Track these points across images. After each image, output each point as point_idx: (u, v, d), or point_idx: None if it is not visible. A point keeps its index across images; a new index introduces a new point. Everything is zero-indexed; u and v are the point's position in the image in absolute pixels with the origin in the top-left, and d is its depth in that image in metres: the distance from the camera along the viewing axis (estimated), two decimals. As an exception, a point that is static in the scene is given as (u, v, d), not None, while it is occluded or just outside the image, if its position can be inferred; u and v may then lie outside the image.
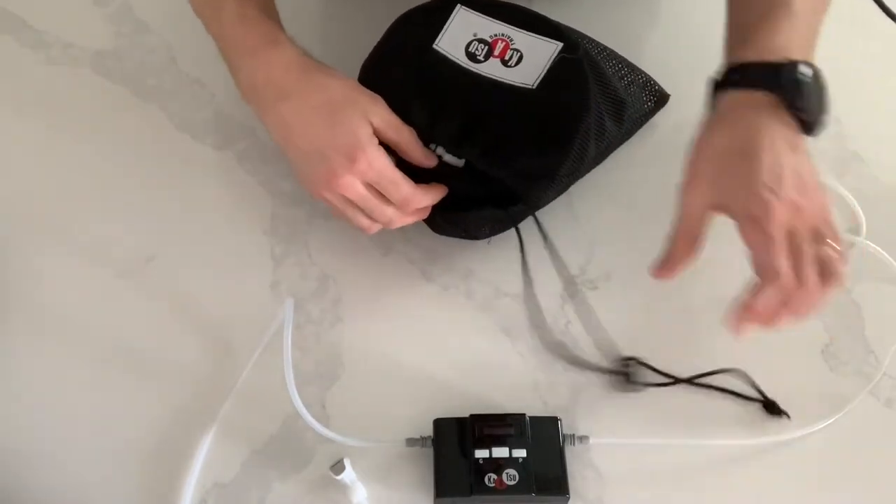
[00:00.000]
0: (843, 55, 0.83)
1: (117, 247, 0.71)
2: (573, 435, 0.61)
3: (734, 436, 0.62)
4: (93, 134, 0.77)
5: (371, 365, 0.66)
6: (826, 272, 0.52)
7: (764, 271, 0.53)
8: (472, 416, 0.61)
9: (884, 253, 0.65)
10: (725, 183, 0.54)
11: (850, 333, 0.67)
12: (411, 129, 0.63)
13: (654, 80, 0.76)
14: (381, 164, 0.60)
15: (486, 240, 0.70)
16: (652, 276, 0.58)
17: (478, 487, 0.58)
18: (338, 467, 0.59)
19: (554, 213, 0.73)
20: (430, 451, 0.60)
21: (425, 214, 0.65)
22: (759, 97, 0.55)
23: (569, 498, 0.59)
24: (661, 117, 0.79)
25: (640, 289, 0.70)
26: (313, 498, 0.60)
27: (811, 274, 0.52)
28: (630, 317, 0.68)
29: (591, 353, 0.66)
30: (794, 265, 0.52)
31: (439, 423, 0.61)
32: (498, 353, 0.67)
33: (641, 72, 0.75)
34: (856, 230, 0.72)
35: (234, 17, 0.63)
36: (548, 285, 0.70)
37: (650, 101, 0.76)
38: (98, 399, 0.64)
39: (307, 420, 0.60)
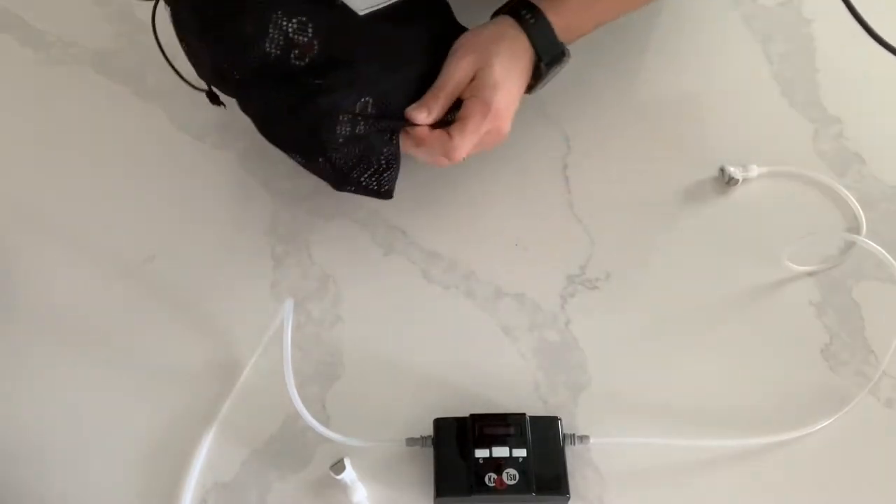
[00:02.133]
0: (844, 56, 0.83)
1: (117, 247, 0.71)
2: (573, 435, 0.61)
3: (734, 436, 0.62)
4: (93, 134, 0.77)
5: (371, 365, 0.66)
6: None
7: (452, 143, 0.63)
8: (472, 415, 0.61)
9: (884, 253, 0.65)
10: (483, 67, 0.65)
11: (850, 333, 0.68)
12: None
13: None
14: None
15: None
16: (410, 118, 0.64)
17: (478, 487, 0.58)
18: (338, 467, 0.59)
19: (554, 213, 0.73)
20: (430, 451, 0.60)
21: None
22: (528, 48, 0.67)
23: (569, 498, 0.59)
24: (660, 113, 0.79)
25: (640, 289, 0.70)
26: (313, 498, 0.60)
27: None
28: (630, 317, 0.68)
29: (591, 353, 0.67)
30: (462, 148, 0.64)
31: (439, 423, 0.61)
32: (498, 353, 0.67)
33: None
34: (856, 230, 0.72)
35: None
36: (548, 285, 0.70)
37: None
38: (98, 399, 0.64)
39: (307, 420, 0.60)
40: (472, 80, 0.65)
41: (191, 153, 0.76)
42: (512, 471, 0.58)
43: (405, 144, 0.66)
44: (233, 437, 0.62)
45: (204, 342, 0.67)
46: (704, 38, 0.73)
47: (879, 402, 0.64)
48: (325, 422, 0.63)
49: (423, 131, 0.64)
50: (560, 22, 0.67)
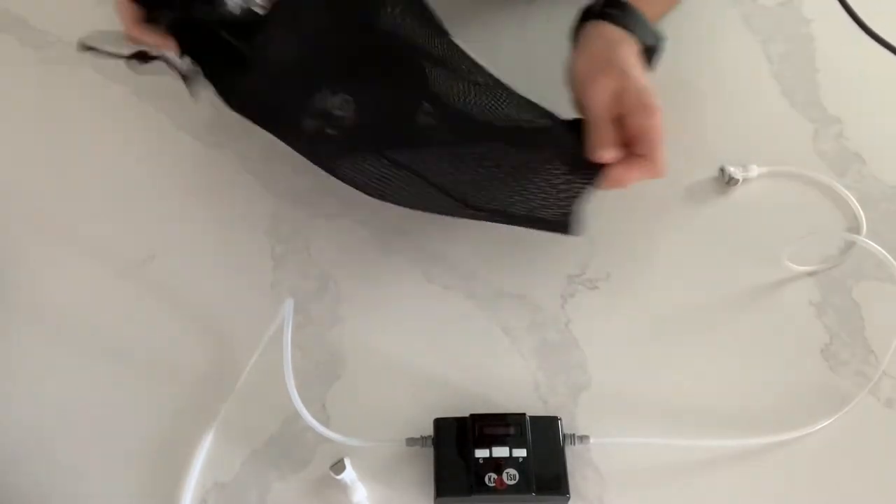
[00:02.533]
0: (844, 55, 0.83)
1: (117, 247, 0.71)
2: (573, 435, 0.61)
3: (734, 436, 0.62)
4: (93, 133, 0.78)
5: (371, 365, 0.66)
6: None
7: (655, 161, 0.63)
8: (472, 415, 0.61)
9: (884, 253, 0.65)
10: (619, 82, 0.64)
11: (850, 333, 0.67)
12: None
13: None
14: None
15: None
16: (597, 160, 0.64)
17: (478, 487, 0.58)
18: (338, 467, 0.59)
19: (554, 213, 0.73)
20: (430, 451, 0.60)
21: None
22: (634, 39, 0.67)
23: (569, 498, 0.59)
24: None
25: (640, 289, 0.70)
26: (313, 498, 0.60)
27: None
28: (630, 317, 0.69)
29: (591, 353, 0.67)
30: None
31: (439, 423, 0.61)
32: (498, 353, 0.67)
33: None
34: (856, 230, 0.72)
35: None
36: (548, 285, 0.70)
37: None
38: (98, 399, 0.64)
39: (307, 420, 0.60)
40: (616, 96, 0.64)
41: (191, 153, 0.77)
42: (512, 471, 0.58)
43: (609, 187, 0.64)
44: (233, 437, 0.62)
45: (204, 342, 0.67)
46: (704, 38, 0.73)
47: (879, 402, 0.64)
48: (325, 422, 0.63)
49: (620, 173, 0.63)
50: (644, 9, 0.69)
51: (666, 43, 0.69)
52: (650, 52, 0.68)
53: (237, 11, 0.64)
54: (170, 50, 0.67)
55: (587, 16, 0.70)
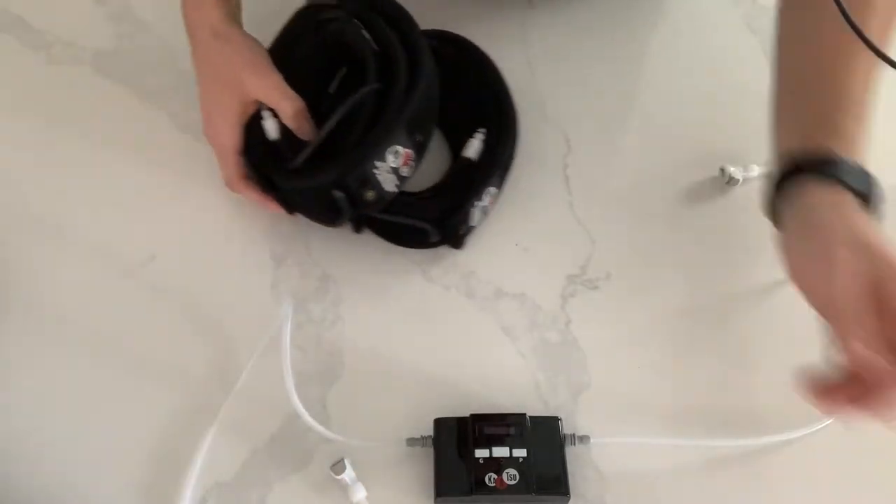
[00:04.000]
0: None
1: (117, 247, 0.71)
2: (573, 435, 0.61)
3: (734, 436, 0.62)
4: (93, 134, 0.77)
5: (371, 365, 0.66)
6: None
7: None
8: (472, 415, 0.61)
9: (884, 253, 0.65)
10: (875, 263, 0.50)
11: (851, 333, 0.67)
12: (298, 99, 0.66)
13: None
14: (226, 144, 0.68)
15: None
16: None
17: (478, 487, 0.58)
18: (338, 467, 0.59)
19: (554, 213, 0.73)
20: (430, 451, 0.60)
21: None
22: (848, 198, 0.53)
23: (569, 498, 0.59)
24: (661, 113, 0.79)
25: (640, 289, 0.70)
26: (313, 498, 0.60)
27: None
28: (630, 317, 0.69)
29: (591, 353, 0.67)
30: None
31: (439, 423, 0.61)
32: (498, 353, 0.67)
33: None
34: (856, 230, 0.72)
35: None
36: (548, 285, 0.70)
37: None
38: (98, 399, 0.64)
39: (307, 420, 0.60)
40: (871, 284, 0.50)
41: (191, 153, 0.76)
42: (512, 471, 0.58)
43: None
44: (233, 437, 0.62)
45: (204, 342, 0.67)
46: (704, 38, 0.73)
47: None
48: (325, 422, 0.63)
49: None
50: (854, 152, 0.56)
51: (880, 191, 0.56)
52: (872, 203, 0.55)
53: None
54: (273, 208, 0.69)
55: (785, 176, 0.56)
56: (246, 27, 0.70)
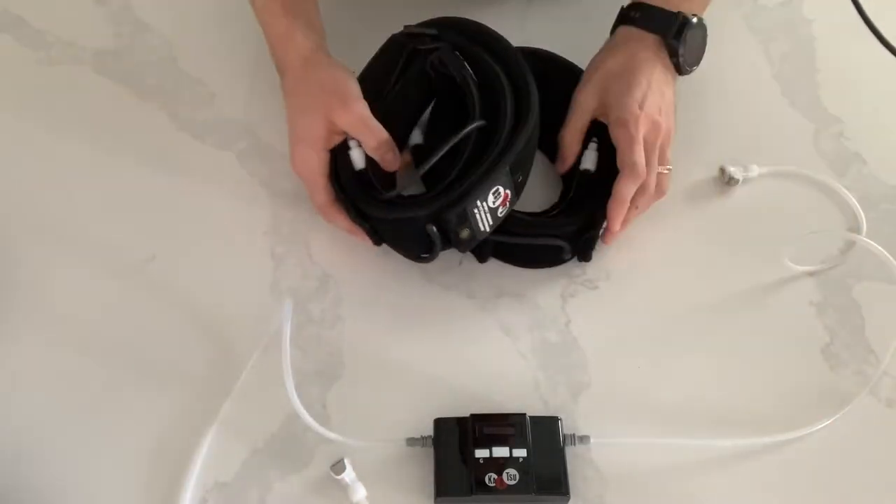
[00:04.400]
0: (844, 56, 0.83)
1: (117, 247, 0.71)
2: (574, 435, 0.61)
3: (734, 436, 0.62)
4: (93, 134, 0.77)
5: (371, 365, 0.66)
6: (659, 186, 0.68)
7: (626, 165, 0.65)
8: (472, 415, 0.61)
9: (884, 252, 0.65)
10: (608, 93, 0.68)
11: (850, 333, 0.68)
12: (381, 131, 0.66)
13: None
14: (313, 167, 0.67)
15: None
16: (557, 172, 0.72)
17: (478, 487, 0.58)
18: (338, 467, 0.59)
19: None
20: (430, 451, 0.60)
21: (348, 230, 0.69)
22: (649, 37, 0.69)
23: (569, 498, 0.59)
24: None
25: (640, 289, 0.70)
26: (313, 498, 0.60)
27: (653, 176, 0.66)
28: (630, 317, 0.69)
29: (591, 353, 0.67)
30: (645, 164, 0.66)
31: (439, 423, 0.61)
32: (498, 353, 0.67)
33: None
34: (856, 230, 0.72)
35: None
36: (548, 285, 0.70)
37: None
38: (98, 399, 0.64)
39: (307, 420, 0.60)
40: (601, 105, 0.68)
41: (191, 153, 0.76)
42: (512, 471, 0.58)
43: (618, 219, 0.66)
44: (233, 437, 0.62)
45: (204, 342, 0.67)
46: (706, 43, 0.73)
47: (879, 402, 0.64)
48: (325, 422, 0.63)
49: (624, 192, 0.65)
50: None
51: (697, 23, 0.68)
52: (672, 40, 0.68)
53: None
54: (360, 237, 0.68)
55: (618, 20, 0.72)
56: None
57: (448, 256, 0.71)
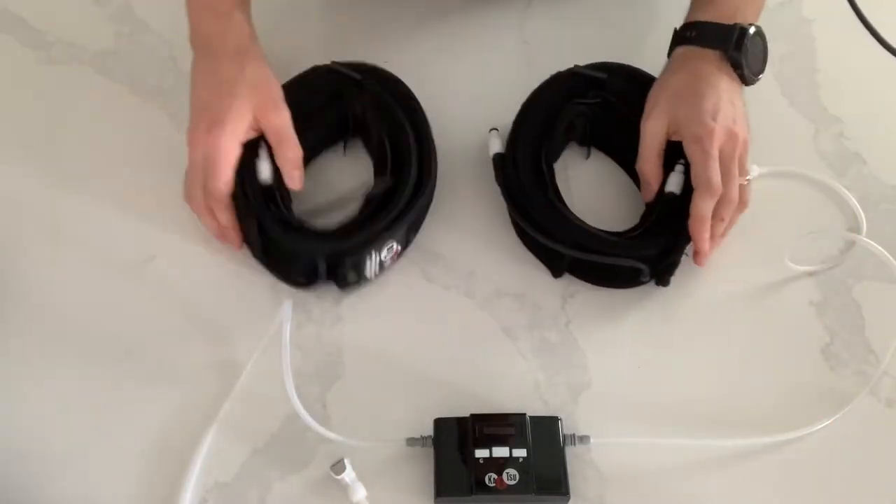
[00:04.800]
0: (844, 56, 0.83)
1: (117, 247, 0.71)
2: (574, 435, 0.61)
3: (734, 436, 0.62)
4: (93, 134, 0.77)
5: (371, 365, 0.66)
6: (741, 198, 0.66)
7: (701, 182, 0.65)
8: (472, 415, 0.61)
9: (884, 252, 0.65)
10: (677, 113, 0.67)
11: (850, 333, 0.68)
12: (298, 145, 0.68)
13: None
14: (223, 152, 0.65)
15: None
16: (643, 200, 0.71)
17: (478, 487, 0.58)
18: (338, 467, 0.59)
19: (554, 213, 0.73)
20: (430, 451, 0.60)
21: (229, 239, 0.69)
22: (709, 53, 0.68)
23: (569, 498, 0.59)
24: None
25: (639, 289, 0.70)
26: (313, 498, 0.60)
27: (734, 187, 0.65)
28: (630, 317, 0.68)
29: (591, 353, 0.67)
30: (723, 178, 0.65)
31: (439, 423, 0.61)
32: (498, 353, 0.67)
33: None
34: (856, 230, 0.72)
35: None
36: (548, 285, 0.70)
37: None
38: (98, 399, 0.64)
39: (307, 420, 0.60)
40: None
41: (191, 153, 0.76)
42: (512, 471, 0.58)
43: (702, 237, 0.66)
44: (233, 437, 0.62)
45: (204, 342, 0.67)
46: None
47: (879, 402, 0.65)
48: (325, 422, 0.63)
49: (702, 209, 0.64)
50: (715, 12, 0.69)
51: (755, 31, 0.67)
52: (732, 52, 0.67)
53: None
54: (230, 238, 0.69)
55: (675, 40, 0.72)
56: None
57: (447, 257, 0.71)
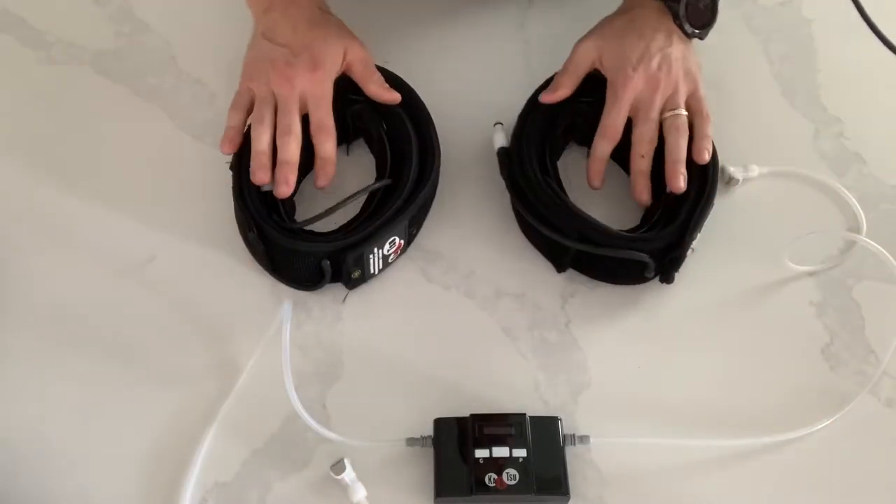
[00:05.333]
0: (844, 56, 0.83)
1: (117, 247, 0.71)
2: (573, 435, 0.61)
3: (734, 436, 0.62)
4: (93, 134, 0.77)
5: (371, 365, 0.66)
6: (689, 132, 0.69)
7: (602, 125, 0.70)
8: (472, 415, 0.61)
9: (884, 252, 0.65)
10: (605, 53, 0.71)
11: (850, 333, 0.68)
12: (379, 74, 0.72)
13: None
14: (326, 89, 0.69)
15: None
16: (541, 101, 0.72)
17: (478, 487, 0.58)
18: (338, 467, 0.59)
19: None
20: (430, 451, 0.60)
21: (291, 178, 0.67)
22: (652, 2, 0.71)
23: (569, 498, 0.59)
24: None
25: (639, 289, 0.70)
26: (313, 498, 0.60)
27: (648, 131, 0.69)
28: (630, 317, 0.68)
29: (591, 353, 0.67)
30: (637, 123, 0.69)
31: (439, 423, 0.61)
32: (498, 353, 0.67)
33: None
34: (856, 230, 0.72)
35: None
36: (548, 285, 0.70)
37: None
38: (98, 399, 0.64)
39: (307, 420, 0.60)
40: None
41: (191, 153, 0.76)
42: (512, 471, 0.58)
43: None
44: (233, 437, 0.62)
45: (204, 342, 0.67)
46: (702, 43, 0.73)
47: (879, 402, 0.65)
48: (325, 422, 0.63)
49: (601, 154, 0.70)
50: None
51: None
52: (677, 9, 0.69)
53: None
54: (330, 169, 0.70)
55: None
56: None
57: (448, 257, 0.71)
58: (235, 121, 0.69)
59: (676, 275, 0.67)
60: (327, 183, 0.69)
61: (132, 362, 0.66)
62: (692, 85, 0.70)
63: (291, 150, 0.67)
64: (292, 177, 0.67)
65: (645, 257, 0.65)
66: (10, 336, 0.67)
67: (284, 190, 0.66)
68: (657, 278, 0.68)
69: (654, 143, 0.69)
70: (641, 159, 0.69)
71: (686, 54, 0.70)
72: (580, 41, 0.72)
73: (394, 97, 0.71)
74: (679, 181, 0.67)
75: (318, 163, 0.69)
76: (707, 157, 0.68)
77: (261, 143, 0.67)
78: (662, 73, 0.68)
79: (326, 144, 0.68)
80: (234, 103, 0.70)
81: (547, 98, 0.71)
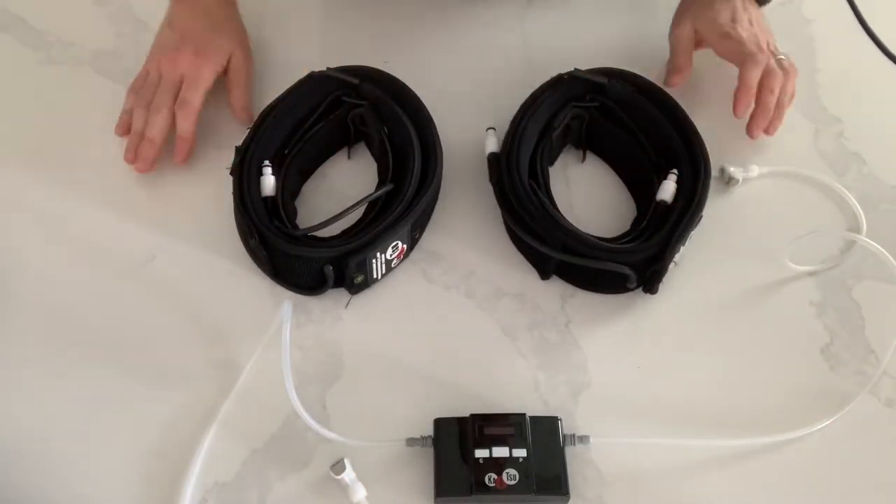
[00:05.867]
0: (844, 56, 0.83)
1: (117, 247, 0.71)
2: (573, 435, 0.61)
3: (734, 436, 0.62)
4: (93, 133, 0.77)
5: (371, 365, 0.66)
6: (784, 69, 0.74)
7: (746, 57, 0.73)
8: (472, 415, 0.61)
9: (884, 252, 0.65)
10: (700, 23, 0.77)
11: (850, 333, 0.68)
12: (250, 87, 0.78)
13: None
14: (204, 74, 0.74)
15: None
16: (667, 86, 0.77)
17: (478, 487, 0.58)
18: (338, 467, 0.59)
19: (554, 213, 0.73)
20: (430, 451, 0.60)
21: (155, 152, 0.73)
22: None
23: (569, 498, 0.59)
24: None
25: (639, 289, 0.70)
26: (313, 498, 0.60)
27: (773, 63, 0.73)
28: (630, 317, 0.68)
29: (591, 353, 0.67)
30: (757, 64, 0.73)
31: (439, 423, 0.61)
32: (498, 353, 0.67)
33: None
34: (856, 230, 0.72)
35: None
36: (548, 285, 0.70)
37: None
38: (98, 399, 0.64)
39: (307, 420, 0.60)
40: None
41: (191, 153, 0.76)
42: (512, 471, 0.58)
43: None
44: (233, 437, 0.62)
45: (204, 342, 0.67)
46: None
47: (879, 402, 0.65)
48: (325, 422, 0.63)
49: (751, 81, 0.73)
50: None
51: None
52: None
53: None
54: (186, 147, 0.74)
55: None
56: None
57: (448, 257, 0.71)
58: (130, 104, 0.75)
59: (671, 279, 0.67)
60: (182, 161, 0.73)
61: (132, 362, 0.66)
62: (771, 33, 0.76)
63: (157, 128, 0.72)
64: (152, 154, 0.72)
65: (626, 269, 0.65)
66: (11, 335, 0.67)
67: (140, 167, 0.71)
68: (641, 290, 0.68)
69: (781, 80, 0.73)
70: (770, 94, 0.73)
71: (760, 16, 0.77)
72: (674, 25, 0.78)
73: (241, 117, 0.76)
74: (777, 127, 0.74)
75: (177, 141, 0.73)
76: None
77: (140, 124, 0.73)
78: (755, 28, 0.75)
79: (185, 122, 0.72)
80: (130, 86, 0.75)
81: (677, 81, 0.77)
